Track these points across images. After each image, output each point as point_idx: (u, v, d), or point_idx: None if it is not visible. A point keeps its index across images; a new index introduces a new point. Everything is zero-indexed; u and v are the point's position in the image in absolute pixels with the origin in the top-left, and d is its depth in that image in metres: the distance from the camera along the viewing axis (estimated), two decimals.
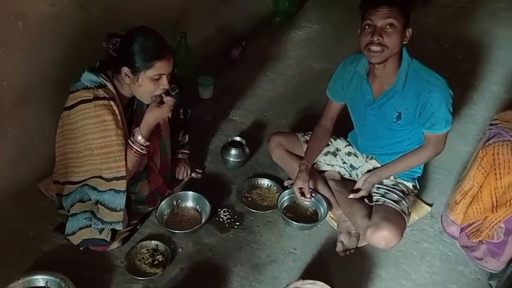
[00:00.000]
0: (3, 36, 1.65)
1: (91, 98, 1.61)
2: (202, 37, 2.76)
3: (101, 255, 1.79)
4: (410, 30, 1.71)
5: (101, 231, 1.71)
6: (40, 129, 1.93)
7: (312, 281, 1.63)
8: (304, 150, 2.08)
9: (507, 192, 1.67)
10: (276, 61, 3.06)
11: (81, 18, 1.93)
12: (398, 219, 1.78)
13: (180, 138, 2.03)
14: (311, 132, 2.11)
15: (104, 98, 1.62)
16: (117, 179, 1.66)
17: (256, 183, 2.17)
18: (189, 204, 2.00)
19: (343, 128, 2.11)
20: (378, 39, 1.66)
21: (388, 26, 1.66)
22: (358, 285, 1.78)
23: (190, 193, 2.01)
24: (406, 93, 1.76)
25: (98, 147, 1.63)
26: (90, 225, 1.72)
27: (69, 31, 1.88)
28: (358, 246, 1.90)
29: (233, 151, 2.22)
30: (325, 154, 2.12)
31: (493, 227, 1.69)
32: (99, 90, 1.62)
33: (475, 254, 1.78)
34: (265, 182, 2.17)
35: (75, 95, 1.63)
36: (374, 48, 1.67)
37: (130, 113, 1.79)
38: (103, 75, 1.65)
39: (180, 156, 2.11)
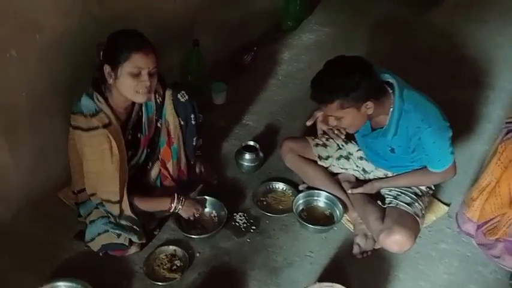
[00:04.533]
0: (21, 47, 1.70)
1: (86, 128, 1.63)
2: (214, 44, 2.78)
3: (120, 261, 1.81)
4: (369, 103, 1.65)
5: (118, 235, 1.74)
6: (56, 138, 1.96)
7: (330, 284, 1.63)
8: (315, 154, 2.09)
9: None
10: (287, 65, 3.07)
11: (93, 27, 1.96)
12: (411, 223, 1.77)
13: (194, 144, 2.05)
14: (321, 136, 2.11)
15: (99, 128, 1.63)
16: (112, 202, 1.72)
17: (271, 187, 2.18)
18: (206, 209, 2.02)
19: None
20: (334, 124, 1.72)
21: (334, 118, 1.69)
22: (376, 286, 1.77)
23: (207, 198, 2.03)
24: (396, 135, 1.75)
25: (94, 171, 1.69)
26: (108, 230, 1.75)
27: (82, 40, 1.92)
28: (375, 248, 1.90)
29: (247, 156, 2.23)
30: (338, 158, 2.12)
31: (510, 224, 1.67)
32: (94, 119, 1.63)
33: (492, 252, 1.77)
34: (280, 185, 2.18)
35: (73, 118, 1.67)
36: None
37: (136, 124, 1.80)
38: (98, 96, 1.66)
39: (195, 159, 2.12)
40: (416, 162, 1.85)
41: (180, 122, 1.87)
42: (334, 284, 1.63)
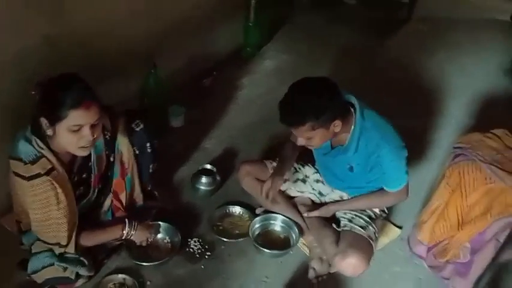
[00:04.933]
0: None
1: (26, 177, 1.51)
2: (173, 67, 2.78)
3: None
4: (337, 122, 1.68)
5: (65, 269, 1.66)
6: None
7: None
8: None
9: (472, 210, 1.72)
10: (247, 90, 3.10)
11: (47, 53, 1.91)
12: (365, 246, 1.79)
13: (150, 171, 1.99)
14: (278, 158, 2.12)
15: (40, 175, 1.51)
16: (60, 246, 1.64)
17: (227, 211, 2.15)
18: (159, 235, 1.96)
19: (310, 154, 2.12)
20: (302, 143, 1.73)
21: (304, 139, 1.71)
22: None
23: (160, 223, 1.97)
24: (356, 153, 1.78)
25: (39, 220, 1.59)
26: (53, 264, 1.66)
27: (36, 66, 1.85)
28: (331, 272, 1.89)
29: (204, 179, 2.20)
30: (295, 181, 2.12)
31: (459, 246, 1.71)
32: (35, 166, 1.51)
33: (443, 274, 1.80)
34: (236, 209, 2.16)
35: (12, 164, 1.54)
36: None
37: (83, 165, 1.71)
38: (37, 141, 1.53)
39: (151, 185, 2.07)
40: (372, 183, 1.88)
41: (134, 152, 1.83)
42: None
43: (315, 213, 1.97)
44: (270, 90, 3.12)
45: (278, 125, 2.72)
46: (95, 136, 1.55)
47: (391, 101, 2.92)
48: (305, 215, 2.00)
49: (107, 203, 1.86)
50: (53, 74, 1.62)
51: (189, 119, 2.70)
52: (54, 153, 1.55)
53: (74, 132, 1.50)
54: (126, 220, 1.79)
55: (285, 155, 2.01)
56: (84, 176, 1.72)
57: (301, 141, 1.73)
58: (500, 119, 2.86)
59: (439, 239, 1.81)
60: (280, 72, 3.32)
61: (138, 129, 1.81)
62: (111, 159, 1.78)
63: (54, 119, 1.49)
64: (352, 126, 1.75)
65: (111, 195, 1.86)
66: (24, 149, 1.52)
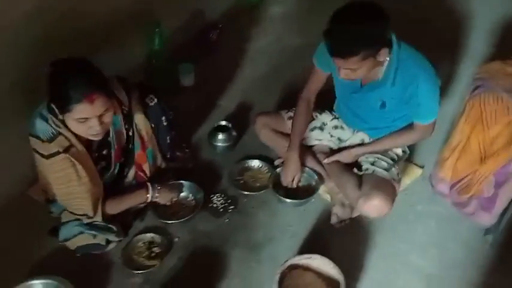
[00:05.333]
0: None
1: (45, 155, 1.53)
2: (177, 24, 2.71)
3: (98, 254, 1.78)
4: (384, 50, 1.58)
5: (94, 236, 1.71)
6: (21, 135, 1.89)
7: (309, 255, 1.64)
8: (290, 127, 2.06)
9: (495, 142, 1.68)
10: (255, 40, 3.01)
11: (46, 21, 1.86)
12: (388, 188, 1.78)
13: (168, 141, 1.98)
14: (294, 109, 2.09)
15: (59, 153, 1.53)
16: (88, 217, 1.68)
17: (246, 165, 2.16)
18: (182, 193, 1.99)
19: (328, 100, 2.09)
20: (346, 76, 1.62)
21: (350, 70, 1.60)
22: (356, 254, 1.79)
23: (182, 182, 2.00)
24: (392, 85, 1.71)
25: (63, 194, 1.62)
26: (83, 232, 1.71)
27: (39, 34, 1.82)
28: (353, 216, 1.91)
29: (220, 136, 2.20)
30: (312, 130, 2.10)
31: (483, 181, 1.69)
32: (53, 144, 1.52)
33: (467, 210, 1.79)
34: (255, 163, 2.16)
35: (32, 140, 1.55)
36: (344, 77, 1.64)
37: (103, 140, 1.70)
38: (54, 119, 1.53)
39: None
40: (397, 121, 1.83)
41: (151, 125, 1.83)
42: (313, 255, 1.64)
43: (335, 157, 1.94)
44: (279, 39, 3.03)
45: (289, 74, 2.73)
46: (104, 126, 1.55)
47: (406, 34, 2.81)
48: (325, 161, 1.98)
49: (131, 174, 1.88)
50: (58, 44, 1.61)
51: (200, 76, 2.66)
52: (72, 131, 1.56)
53: (82, 123, 1.50)
54: (149, 184, 1.82)
55: (297, 127, 1.96)
56: (104, 152, 1.73)
57: (344, 73, 1.62)
58: None
59: (462, 174, 1.79)
60: (287, 19, 3.20)
61: (152, 103, 1.80)
62: (130, 133, 1.78)
63: (62, 110, 1.50)
64: (387, 58, 1.66)
65: (134, 166, 1.87)
66: (41, 127, 1.53)
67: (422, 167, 2.09)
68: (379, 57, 1.61)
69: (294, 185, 1.98)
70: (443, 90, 2.48)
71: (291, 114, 2.10)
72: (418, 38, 1.78)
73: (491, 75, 1.77)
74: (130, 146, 1.81)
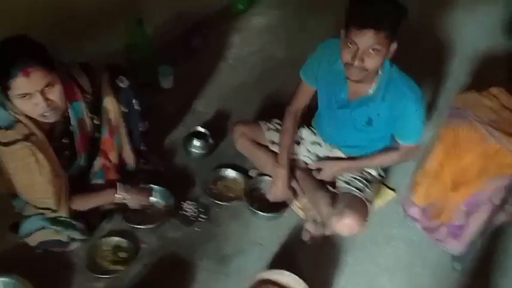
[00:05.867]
0: None
1: (4, 142, 1.46)
2: (160, 24, 2.65)
3: (60, 253, 1.70)
4: (395, 45, 1.59)
5: (57, 231, 1.63)
6: None
7: (280, 271, 1.62)
8: (268, 138, 2.04)
9: (467, 172, 1.71)
10: (238, 48, 2.99)
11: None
12: (361, 207, 1.79)
13: (141, 129, 1.93)
14: (274, 120, 2.08)
15: (18, 141, 1.46)
16: (51, 210, 1.60)
17: (221, 174, 2.13)
18: (153, 198, 1.93)
19: (306, 116, 2.08)
20: (359, 63, 1.57)
21: (371, 50, 1.54)
22: (326, 272, 1.78)
23: (153, 187, 1.94)
24: (381, 102, 1.72)
25: (24, 185, 1.55)
26: (45, 227, 1.63)
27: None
28: (325, 234, 1.90)
29: (196, 142, 2.16)
30: None
31: (453, 208, 1.72)
32: (12, 132, 1.45)
33: (437, 236, 1.82)
34: (230, 173, 2.13)
35: None
36: (354, 69, 1.59)
37: (64, 130, 1.64)
38: (11, 105, 1.46)
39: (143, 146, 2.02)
40: (376, 141, 1.85)
41: (121, 109, 1.76)
42: (283, 271, 1.61)
43: (320, 164, 1.92)
44: (262, 48, 3.03)
45: (270, 85, 2.72)
46: (52, 102, 1.45)
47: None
48: (310, 165, 1.96)
49: (97, 163, 1.81)
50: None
51: (179, 80, 2.61)
52: (31, 118, 1.49)
53: (26, 100, 1.42)
54: (118, 184, 1.75)
55: (285, 142, 1.94)
56: (65, 141, 1.66)
57: (361, 55, 1.55)
58: (498, 78, 2.85)
59: (433, 200, 1.82)
60: (272, 29, 3.20)
61: (123, 85, 1.74)
62: (96, 121, 1.71)
63: (4, 90, 1.42)
64: (379, 74, 1.68)
65: (101, 156, 1.80)
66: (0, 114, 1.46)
67: (394, 189, 2.12)
68: (391, 49, 1.60)
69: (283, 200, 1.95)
70: None
71: (270, 125, 2.09)
72: (402, 61, 1.80)
73: (467, 105, 1.82)
74: (96, 134, 1.74)
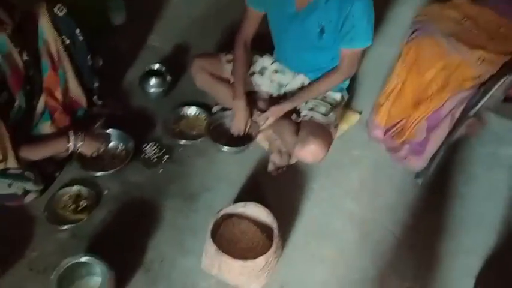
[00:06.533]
0: None
1: None
2: None
3: (18, 209, 1.66)
4: None
5: (9, 185, 1.57)
6: None
7: (243, 203, 1.62)
8: (228, 71, 1.96)
9: (429, 87, 1.68)
10: None
11: None
12: (325, 133, 1.76)
13: (89, 63, 1.80)
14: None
15: None
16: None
17: (182, 112, 2.06)
18: (111, 143, 1.87)
19: (268, 44, 1.98)
20: None
21: None
22: (292, 200, 1.79)
23: (110, 131, 1.87)
24: (329, 6, 1.64)
25: None
26: None
27: None
28: (290, 163, 1.89)
29: (153, 81, 2.06)
30: (251, 74, 2.01)
31: (415, 125, 1.71)
32: None
33: (400, 154, 1.82)
34: (192, 110, 2.06)
35: None
36: None
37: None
38: None
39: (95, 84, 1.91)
40: (336, 60, 1.77)
41: (64, 42, 1.65)
42: (247, 203, 1.61)
43: (263, 117, 1.85)
44: None
45: (230, 15, 2.56)
46: None
47: None
48: (261, 128, 1.87)
49: (41, 104, 1.70)
50: None
51: (132, 14, 2.44)
52: None
53: None
54: (72, 132, 1.68)
55: (238, 73, 1.86)
56: None
57: None
58: None
59: (396, 120, 1.80)
60: None
61: (61, 14, 1.62)
62: (25, 56, 1.58)
63: None
64: None
65: (44, 95, 1.69)
66: None
67: (360, 112, 2.08)
68: None
69: (247, 132, 1.89)
70: (383, 35, 2.45)
71: (229, 57, 1.99)
72: None
73: (429, 18, 1.74)
74: (31, 72, 1.63)
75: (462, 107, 1.60)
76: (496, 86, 1.48)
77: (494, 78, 1.51)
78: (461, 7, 1.78)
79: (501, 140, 1.97)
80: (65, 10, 1.62)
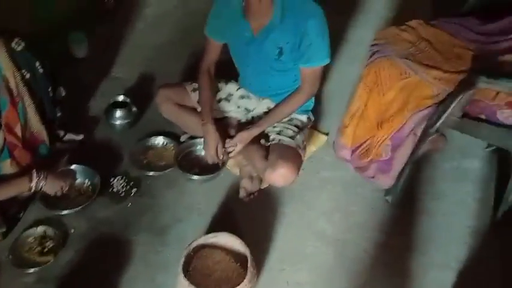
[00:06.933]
0: None
1: None
2: None
3: None
4: None
5: None
6: None
7: (215, 234, 1.60)
8: (194, 100, 1.96)
9: (390, 108, 1.72)
10: (157, 5, 2.80)
11: None
12: (294, 156, 1.77)
13: (51, 95, 1.77)
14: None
15: None
16: None
17: (149, 143, 2.04)
18: (76, 179, 1.83)
19: (232, 71, 2.00)
20: None
21: None
22: (265, 226, 1.78)
23: (74, 166, 1.83)
24: (284, 27, 1.68)
25: None
26: None
27: None
28: (262, 188, 1.89)
29: (118, 113, 2.04)
30: (218, 101, 2.02)
31: (380, 145, 1.74)
32: None
33: (368, 173, 1.85)
34: (159, 140, 2.04)
35: None
36: None
37: None
38: None
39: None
40: (298, 81, 1.79)
41: (24, 76, 1.62)
42: (218, 233, 1.59)
43: (238, 149, 1.83)
44: (183, 3, 2.85)
45: (195, 42, 2.57)
46: None
47: None
48: (231, 154, 1.85)
49: None
50: None
51: (95, 47, 2.42)
52: None
53: None
54: (32, 172, 1.63)
55: (204, 99, 1.87)
56: None
57: None
58: (420, 10, 2.84)
59: (361, 140, 1.83)
60: None
61: (19, 48, 1.60)
62: None
63: None
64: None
65: (2, 130, 1.64)
66: None
67: (327, 133, 2.11)
68: None
69: (220, 157, 1.86)
70: (346, 55, 2.51)
71: (194, 85, 2.00)
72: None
73: (387, 41, 1.80)
74: None
75: (423, 125, 1.64)
76: (453, 104, 1.53)
77: (451, 96, 1.56)
78: (417, 29, 1.85)
79: (464, 153, 2.02)
80: (22, 44, 1.60)
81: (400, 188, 1.80)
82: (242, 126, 1.99)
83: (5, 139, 1.64)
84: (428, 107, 1.62)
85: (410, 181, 1.85)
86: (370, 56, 1.78)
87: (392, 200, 1.83)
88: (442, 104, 1.59)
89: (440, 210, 1.82)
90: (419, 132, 1.66)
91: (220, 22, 1.80)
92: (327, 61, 1.73)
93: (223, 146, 1.84)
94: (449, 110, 1.54)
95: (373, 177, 1.83)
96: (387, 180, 1.80)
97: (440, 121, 1.57)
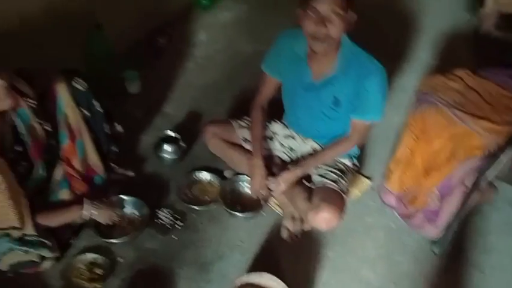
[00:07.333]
0: None
1: None
2: (123, 27, 2.58)
3: (33, 276, 1.65)
4: (355, 15, 1.62)
5: (26, 252, 1.57)
6: None
7: (259, 274, 1.60)
8: (241, 136, 2.01)
9: (438, 156, 1.71)
10: (205, 46, 2.94)
11: None
12: (338, 199, 1.77)
13: (108, 131, 1.86)
14: (246, 118, 2.04)
15: None
16: (16, 228, 1.54)
17: (195, 177, 2.09)
18: (126, 209, 1.89)
19: (277, 110, 2.06)
20: (323, 29, 1.58)
21: (332, 14, 1.56)
22: (307, 268, 1.77)
23: (124, 197, 1.89)
24: (346, 79, 1.71)
25: None
26: (13, 248, 1.57)
27: None
28: (304, 229, 1.89)
29: (167, 147, 2.11)
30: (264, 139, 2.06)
31: (427, 193, 1.73)
32: None
33: (414, 222, 1.82)
34: (204, 175, 2.10)
35: None
36: (318, 41, 1.60)
37: (15, 139, 1.59)
38: None
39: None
40: (347, 128, 1.81)
41: (83, 113, 1.71)
42: (262, 273, 1.60)
43: (282, 188, 1.84)
44: (230, 44, 2.98)
45: (241, 82, 2.68)
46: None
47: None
48: (274, 194, 1.88)
49: (59, 172, 1.74)
50: None
51: (147, 83, 2.55)
52: None
53: None
54: (85, 200, 1.71)
55: (256, 134, 1.92)
56: (19, 149, 1.60)
57: (323, 20, 1.57)
58: (464, 56, 2.87)
59: (407, 187, 1.82)
60: (239, 25, 3.16)
61: (79, 86, 1.69)
62: (46, 127, 1.65)
63: None
64: (340, 50, 1.69)
65: (62, 164, 1.74)
66: None
67: (370, 178, 2.11)
68: (351, 18, 1.61)
69: (264, 193, 1.89)
70: (391, 102, 2.54)
71: (241, 123, 2.06)
72: (369, 48, 1.79)
73: (433, 89, 1.82)
74: (51, 142, 1.69)
75: (472, 175, 1.63)
76: (505, 158, 1.52)
77: (502, 149, 1.56)
78: (464, 79, 1.87)
79: None
80: (83, 83, 1.70)
81: (449, 239, 1.76)
82: (285, 165, 2.03)
83: (64, 170, 1.73)
84: (477, 157, 1.61)
85: (459, 232, 1.81)
86: (416, 104, 1.80)
87: (439, 252, 1.78)
88: (494, 157, 1.58)
89: (490, 265, 1.77)
90: (468, 183, 1.65)
91: (279, 60, 1.84)
92: (379, 119, 1.75)
93: (267, 183, 1.87)
94: (502, 164, 1.53)
95: (419, 225, 1.81)
96: (434, 231, 1.77)
97: (493, 173, 1.56)
